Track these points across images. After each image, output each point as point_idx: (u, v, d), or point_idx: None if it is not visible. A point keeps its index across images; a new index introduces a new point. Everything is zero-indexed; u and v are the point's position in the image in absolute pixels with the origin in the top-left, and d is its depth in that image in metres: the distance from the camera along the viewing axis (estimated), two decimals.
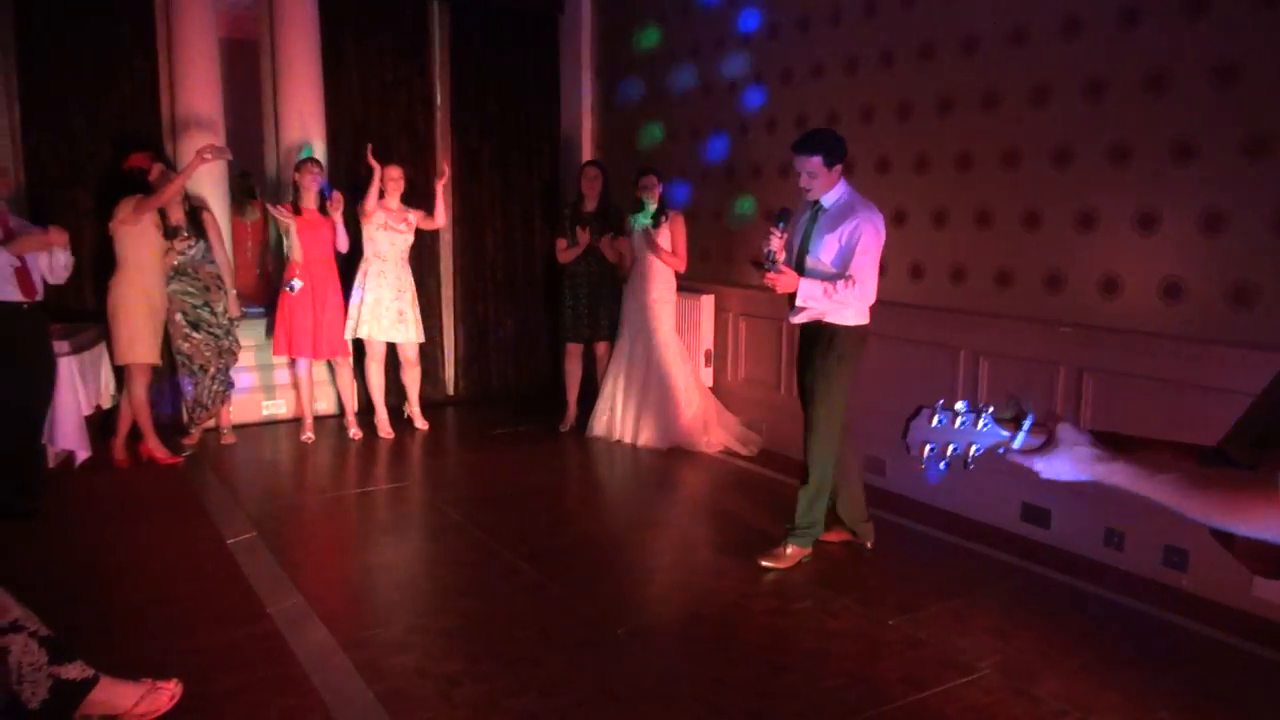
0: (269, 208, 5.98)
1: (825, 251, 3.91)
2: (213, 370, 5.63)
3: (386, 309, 5.98)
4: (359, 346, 6.12)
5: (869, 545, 4.27)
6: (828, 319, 3.95)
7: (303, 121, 6.34)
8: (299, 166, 5.85)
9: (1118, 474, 1.37)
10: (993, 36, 4.53)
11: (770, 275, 3.83)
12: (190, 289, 5.52)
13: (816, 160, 3.89)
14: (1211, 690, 3.07)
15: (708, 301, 6.27)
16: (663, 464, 5.71)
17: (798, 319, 4.04)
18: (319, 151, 6.30)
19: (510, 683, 3.05)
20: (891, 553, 4.24)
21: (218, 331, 5.62)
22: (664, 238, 5.87)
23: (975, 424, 1.44)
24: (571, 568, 4.07)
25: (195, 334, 5.54)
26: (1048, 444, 1.43)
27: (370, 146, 5.88)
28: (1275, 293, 3.60)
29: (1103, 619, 3.61)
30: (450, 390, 7.23)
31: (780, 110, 5.85)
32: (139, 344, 5.28)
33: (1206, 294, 3.81)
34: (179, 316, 5.50)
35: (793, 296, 3.93)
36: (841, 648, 3.34)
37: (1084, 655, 3.28)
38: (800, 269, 3.94)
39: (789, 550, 4.07)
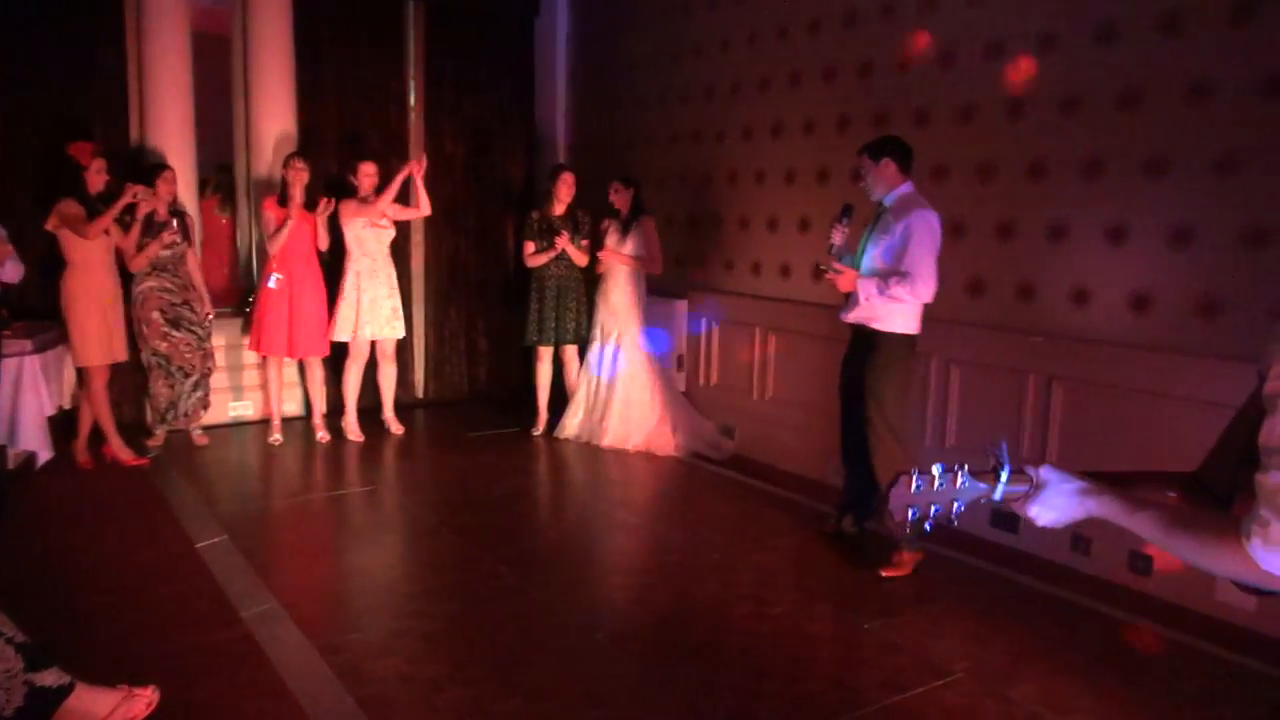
0: (266, 213, 5.79)
1: (880, 250, 4.02)
2: (195, 377, 5.55)
3: (381, 307, 5.97)
4: (339, 347, 6.06)
5: (848, 529, 4.44)
6: (874, 325, 4.03)
7: (275, 118, 6.27)
8: (287, 162, 5.78)
9: (1107, 507, 1.42)
10: (968, 50, 4.61)
11: (830, 275, 4.01)
12: (169, 286, 5.44)
13: (865, 157, 4.08)
14: (1183, 693, 3.15)
15: (681, 306, 6.30)
16: (636, 467, 5.72)
17: (848, 316, 4.14)
18: (289, 149, 6.24)
19: (494, 687, 3.05)
20: (866, 558, 4.29)
21: (200, 331, 5.55)
22: (635, 243, 5.90)
23: (954, 483, 1.47)
24: (551, 571, 4.07)
25: (175, 332, 5.45)
26: (1034, 490, 1.46)
27: (421, 162, 5.92)
28: (1240, 305, 3.70)
29: (1073, 623, 3.68)
30: (420, 393, 7.18)
31: (756, 118, 5.90)
32: (91, 345, 5.14)
33: (1174, 306, 3.91)
34: (156, 314, 5.40)
35: (851, 294, 4.09)
36: (821, 652, 3.38)
37: (1057, 658, 3.35)
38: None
39: (905, 556, 4.10)
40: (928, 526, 1.50)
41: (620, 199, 5.93)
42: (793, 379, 5.61)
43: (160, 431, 5.71)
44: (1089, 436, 4.12)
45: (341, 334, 5.96)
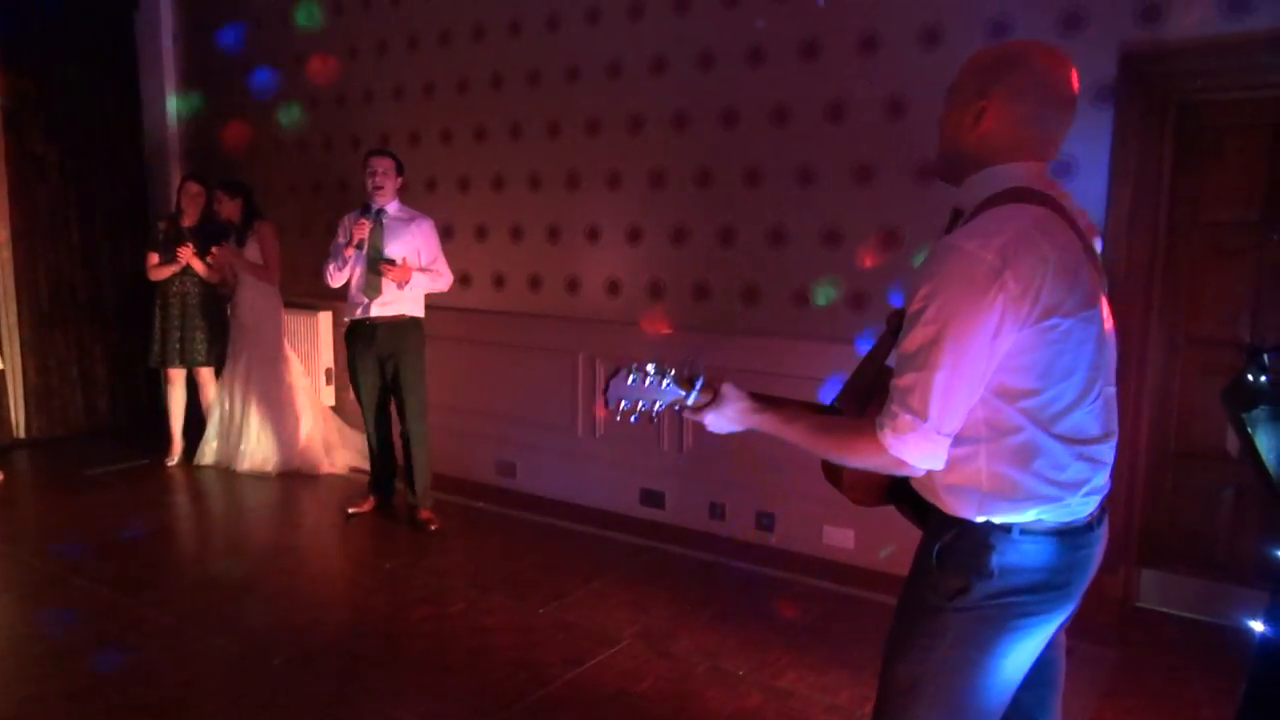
0: None
1: (403, 250, 4.62)
2: None
3: None
4: None
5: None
6: (409, 312, 4.69)
7: None
8: None
9: (765, 423, 1.70)
10: (550, 73, 5.13)
11: (392, 270, 4.51)
12: None
13: (390, 162, 4.67)
14: (805, 622, 3.73)
15: (325, 318, 6.13)
16: (286, 488, 5.50)
17: (390, 310, 4.64)
18: None
19: None
20: (532, 547, 4.52)
21: None
22: (251, 251, 5.62)
23: (660, 384, 1.69)
24: (209, 607, 3.82)
25: None
26: (714, 401, 1.72)
27: None
28: (723, 291, 4.62)
29: (717, 580, 4.18)
30: (21, 432, 6.29)
31: (362, 128, 5.97)
32: None
33: (678, 291, 4.63)
34: None
35: (374, 291, 4.60)
36: (501, 641, 3.53)
37: (707, 613, 3.79)
38: (373, 268, 4.58)
39: (371, 498, 5.03)
40: (633, 420, 1.70)
41: (226, 208, 5.61)
42: (444, 383, 5.70)
43: None
44: None
45: None
